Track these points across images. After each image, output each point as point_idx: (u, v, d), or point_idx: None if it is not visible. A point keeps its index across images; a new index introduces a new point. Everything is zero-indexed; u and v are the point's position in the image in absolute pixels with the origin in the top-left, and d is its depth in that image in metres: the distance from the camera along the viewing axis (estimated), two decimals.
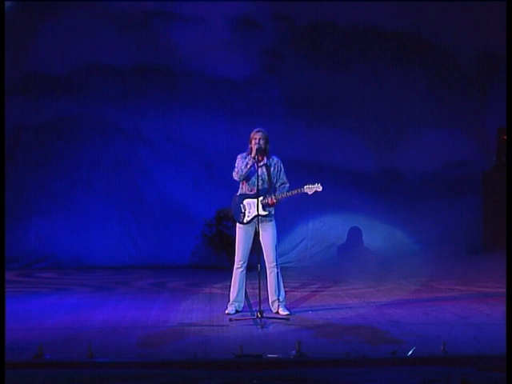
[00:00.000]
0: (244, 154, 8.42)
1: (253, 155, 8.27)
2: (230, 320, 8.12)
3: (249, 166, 8.28)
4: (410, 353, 6.45)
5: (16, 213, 12.47)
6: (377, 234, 13.08)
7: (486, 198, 13.35)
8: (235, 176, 8.40)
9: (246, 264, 8.48)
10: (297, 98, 13.08)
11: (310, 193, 8.32)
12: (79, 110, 12.86)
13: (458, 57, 13.20)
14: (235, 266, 8.51)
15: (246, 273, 8.53)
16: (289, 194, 8.33)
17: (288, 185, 8.43)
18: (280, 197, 8.34)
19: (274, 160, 8.45)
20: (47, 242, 12.88)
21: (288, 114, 13.03)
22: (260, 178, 8.27)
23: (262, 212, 8.27)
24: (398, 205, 13.12)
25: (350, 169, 13.18)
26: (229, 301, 8.59)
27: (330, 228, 13.17)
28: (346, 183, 13.07)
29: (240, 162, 8.36)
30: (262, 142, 8.29)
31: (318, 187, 8.30)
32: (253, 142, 8.31)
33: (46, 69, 12.85)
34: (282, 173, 8.46)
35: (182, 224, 12.85)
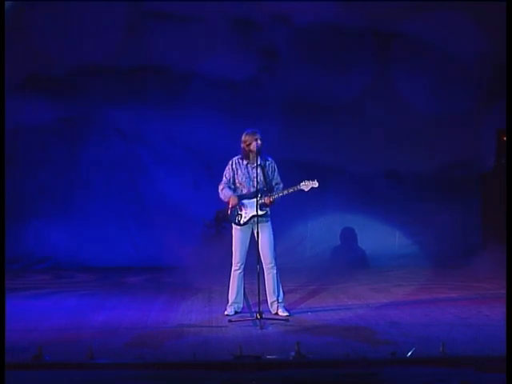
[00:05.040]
0: (235, 159, 8.49)
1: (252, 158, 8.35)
2: (230, 321, 8.13)
3: (230, 196, 8.37)
4: (409, 354, 6.45)
5: (15, 214, 12.45)
6: (376, 235, 13.08)
7: (485, 200, 13.34)
8: (219, 192, 8.48)
9: (243, 266, 8.50)
10: (296, 99, 13.07)
11: (306, 189, 8.33)
12: (79, 111, 12.86)
13: (457, 57, 13.18)
14: (233, 268, 8.53)
15: (244, 274, 8.55)
16: (285, 192, 8.36)
17: (282, 185, 8.47)
18: (277, 196, 8.36)
19: (269, 161, 8.49)
20: (47, 243, 12.88)
21: (287, 114, 13.01)
22: (256, 179, 8.29)
23: (258, 212, 8.28)
24: (397, 206, 13.12)
25: (349, 170, 13.17)
26: (228, 302, 8.61)
27: (328, 229, 13.17)
28: (344, 184, 13.07)
29: (227, 182, 8.43)
30: (260, 142, 8.34)
31: (315, 183, 8.31)
32: (253, 143, 8.33)
33: (45, 70, 12.86)
34: (276, 173, 8.49)
35: (181, 225, 12.85)
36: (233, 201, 8.40)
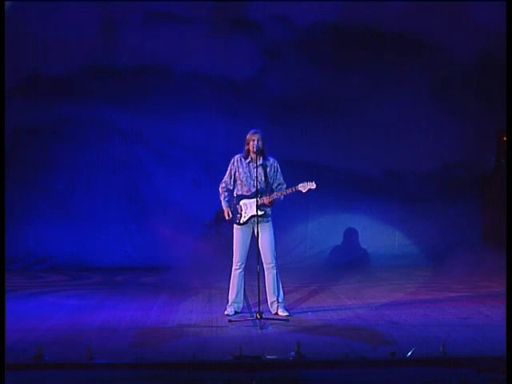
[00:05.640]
0: (238, 157, 8.50)
1: (249, 157, 8.36)
2: (230, 321, 8.13)
3: (225, 208, 8.49)
4: (409, 354, 6.45)
5: (15, 214, 12.47)
6: (376, 235, 13.08)
7: (485, 200, 13.34)
8: (219, 191, 8.56)
9: (244, 265, 8.51)
10: (296, 99, 13.07)
11: (304, 191, 8.35)
12: (78, 111, 12.85)
13: (457, 57, 13.16)
14: (233, 268, 8.54)
15: (245, 274, 8.55)
16: (283, 192, 8.38)
17: (285, 186, 8.48)
18: (275, 196, 8.37)
19: (271, 161, 8.50)
20: (46, 243, 12.88)
21: (287, 115, 13.02)
22: (257, 178, 8.30)
23: (258, 212, 8.29)
24: (397, 206, 13.11)
25: (349, 170, 13.17)
26: (228, 302, 8.61)
27: (329, 229, 13.17)
28: (345, 184, 13.07)
29: (228, 179, 8.51)
30: (260, 142, 8.35)
31: (312, 185, 8.32)
32: (251, 143, 8.36)
33: (45, 70, 12.85)
34: (278, 173, 8.50)
35: (181, 225, 12.84)
36: (226, 214, 8.54)
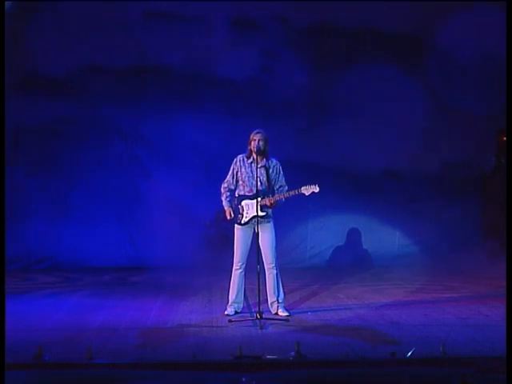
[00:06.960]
0: (241, 157, 8.48)
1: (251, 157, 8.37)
2: (230, 321, 8.13)
3: (226, 208, 8.50)
4: (409, 354, 6.45)
5: (16, 214, 12.46)
6: (376, 235, 13.09)
7: (485, 200, 13.35)
8: (221, 190, 8.55)
9: (244, 265, 8.51)
10: (296, 99, 13.08)
11: (307, 194, 8.35)
12: (79, 111, 12.86)
13: (457, 57, 13.17)
14: (234, 268, 8.54)
15: (245, 274, 8.55)
16: (286, 194, 8.37)
17: (286, 188, 8.47)
18: (278, 198, 8.37)
19: (273, 162, 8.49)
20: (47, 243, 12.88)
21: (287, 114, 13.02)
22: (258, 179, 8.30)
23: (259, 213, 8.29)
24: (397, 206, 13.12)
25: (350, 170, 13.17)
26: (228, 302, 8.61)
27: (329, 229, 13.18)
28: (345, 184, 13.06)
29: (230, 178, 8.51)
30: (261, 143, 8.34)
31: (315, 188, 8.33)
32: (252, 143, 8.36)
33: (45, 70, 12.85)
34: (280, 175, 8.50)
35: (181, 225, 12.84)
36: (227, 214, 8.55)
